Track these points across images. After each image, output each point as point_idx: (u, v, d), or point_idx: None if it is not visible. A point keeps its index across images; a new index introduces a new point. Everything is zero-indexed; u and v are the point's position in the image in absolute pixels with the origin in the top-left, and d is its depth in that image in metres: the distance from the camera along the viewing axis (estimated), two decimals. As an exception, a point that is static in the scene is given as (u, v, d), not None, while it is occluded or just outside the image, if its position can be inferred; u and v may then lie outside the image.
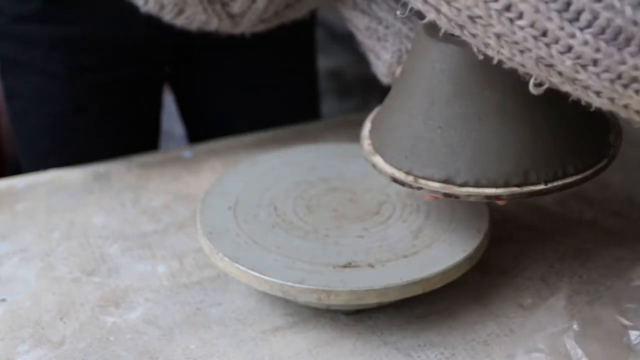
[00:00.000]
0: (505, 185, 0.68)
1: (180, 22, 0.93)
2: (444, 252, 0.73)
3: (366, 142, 0.76)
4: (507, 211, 0.89)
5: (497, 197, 0.68)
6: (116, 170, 0.98)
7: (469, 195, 0.68)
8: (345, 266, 0.71)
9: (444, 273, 0.71)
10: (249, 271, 0.71)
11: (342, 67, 2.86)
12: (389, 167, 0.72)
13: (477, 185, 0.68)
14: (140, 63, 1.06)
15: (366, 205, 0.80)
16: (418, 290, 0.70)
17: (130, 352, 0.71)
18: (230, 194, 0.82)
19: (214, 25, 0.93)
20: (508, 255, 0.82)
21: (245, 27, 0.94)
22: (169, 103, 1.23)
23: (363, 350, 0.71)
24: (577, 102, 0.61)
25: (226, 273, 0.74)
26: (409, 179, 0.70)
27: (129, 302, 0.77)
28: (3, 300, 0.78)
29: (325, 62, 2.91)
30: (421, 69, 0.70)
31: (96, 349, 0.72)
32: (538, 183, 0.68)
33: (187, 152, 1.02)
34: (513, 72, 0.62)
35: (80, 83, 1.02)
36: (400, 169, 0.71)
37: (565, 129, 0.68)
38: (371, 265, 0.71)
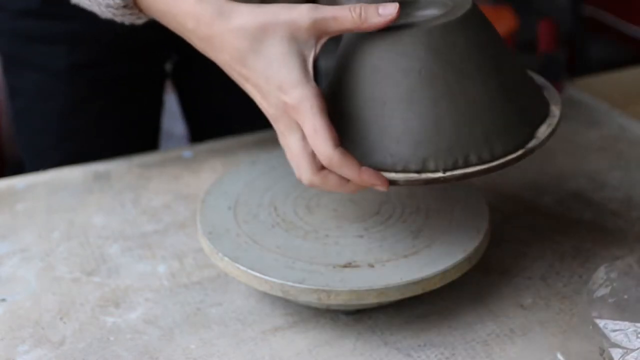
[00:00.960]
0: (404, 170, 0.67)
1: None
2: (444, 252, 0.73)
3: None
4: (507, 211, 0.90)
5: (394, 182, 0.67)
6: (116, 170, 0.98)
7: None
8: (345, 266, 0.71)
9: (444, 273, 0.71)
10: (249, 271, 0.71)
11: (341, 66, 2.86)
12: None
13: (378, 168, 0.67)
14: (142, 60, 1.06)
15: (366, 205, 0.80)
16: (418, 290, 0.70)
17: (130, 352, 0.71)
18: (230, 194, 0.82)
19: None
20: (508, 255, 0.82)
21: None
22: (169, 102, 1.23)
23: (363, 350, 0.71)
24: (494, 92, 0.67)
25: (226, 273, 0.74)
26: None
27: (129, 302, 0.77)
28: (3, 300, 0.78)
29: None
30: (346, 56, 0.70)
31: (96, 349, 0.72)
32: (436, 171, 0.67)
33: (187, 152, 1.02)
34: (423, 57, 0.65)
35: (81, 80, 1.02)
36: None
37: (474, 117, 0.67)
38: (371, 265, 0.71)
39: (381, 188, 0.66)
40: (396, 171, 0.67)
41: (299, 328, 0.74)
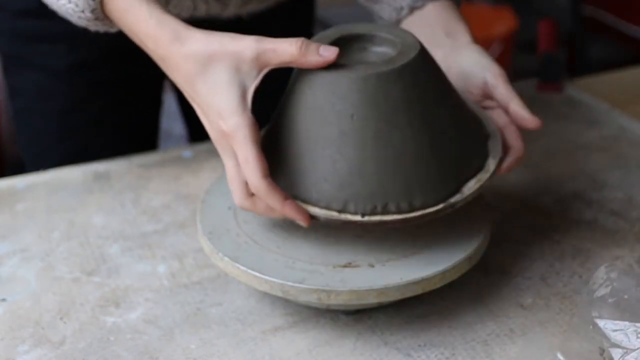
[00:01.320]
0: (327, 208, 0.70)
1: (170, 11, 0.94)
2: (444, 252, 0.73)
3: None
4: (507, 211, 0.90)
5: (316, 217, 0.70)
6: (116, 170, 0.98)
7: None
8: (345, 266, 0.71)
9: (444, 273, 0.71)
10: (249, 271, 0.71)
11: (341, 66, 2.85)
12: None
13: (303, 201, 0.70)
14: (140, 61, 1.05)
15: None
16: (418, 290, 0.70)
17: (130, 352, 0.71)
18: (230, 194, 0.81)
19: (202, 10, 0.95)
20: (508, 255, 0.82)
21: (235, 6, 0.97)
22: (168, 102, 1.23)
23: (363, 350, 0.71)
24: (422, 144, 0.69)
25: (226, 273, 0.74)
26: None
27: (129, 302, 0.77)
28: (3, 300, 0.78)
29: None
30: (291, 91, 0.73)
31: (96, 349, 0.72)
32: (355, 214, 0.69)
33: (187, 152, 1.02)
34: (357, 103, 0.68)
35: (80, 80, 1.03)
36: None
37: (398, 167, 0.69)
38: (371, 265, 0.71)
39: (302, 223, 0.70)
40: (319, 207, 0.70)
41: (299, 328, 0.74)
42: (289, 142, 0.71)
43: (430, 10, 0.85)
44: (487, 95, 0.78)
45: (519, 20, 2.64)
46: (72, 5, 0.77)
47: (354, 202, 0.69)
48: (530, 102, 1.14)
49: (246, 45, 0.68)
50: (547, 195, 0.93)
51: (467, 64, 0.78)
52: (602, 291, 0.68)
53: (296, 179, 0.70)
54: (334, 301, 0.69)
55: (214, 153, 1.00)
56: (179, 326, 0.74)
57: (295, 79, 0.72)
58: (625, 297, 0.67)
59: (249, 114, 0.68)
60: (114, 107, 1.06)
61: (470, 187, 0.72)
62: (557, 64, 1.18)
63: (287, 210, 0.69)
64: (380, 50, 0.74)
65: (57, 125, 1.05)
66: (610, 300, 0.67)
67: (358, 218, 0.69)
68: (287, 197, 0.69)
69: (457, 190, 0.71)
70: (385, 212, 0.69)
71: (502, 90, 0.77)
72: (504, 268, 0.81)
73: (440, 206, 0.70)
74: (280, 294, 0.70)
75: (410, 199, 0.69)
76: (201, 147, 1.03)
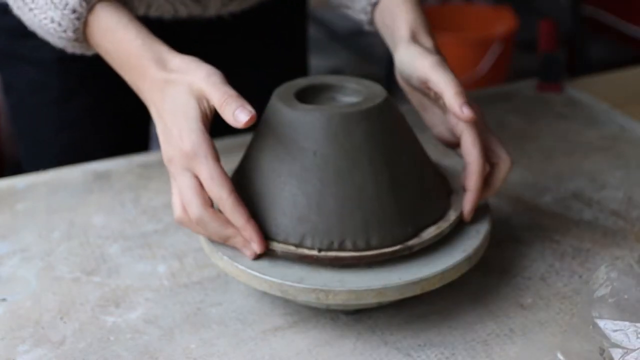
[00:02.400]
0: (284, 242, 0.71)
1: (152, 13, 0.95)
2: (444, 252, 0.73)
3: None
4: (507, 211, 0.90)
5: (273, 250, 0.71)
6: (116, 170, 0.98)
7: None
8: (344, 266, 0.71)
9: (443, 273, 0.71)
10: (248, 270, 0.71)
11: (342, 66, 2.86)
12: None
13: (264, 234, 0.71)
14: None
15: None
16: (417, 291, 0.70)
17: (131, 352, 0.71)
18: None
19: (183, 11, 0.95)
20: (508, 255, 0.82)
21: (215, 7, 0.98)
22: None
23: (363, 350, 0.71)
24: (382, 185, 0.70)
25: (226, 273, 0.74)
26: None
27: (129, 302, 0.77)
28: (3, 300, 0.78)
29: (325, 62, 2.91)
30: (263, 123, 0.74)
31: (96, 349, 0.72)
32: (312, 249, 0.70)
33: (187, 152, 1.02)
34: (320, 140, 0.70)
35: (71, 71, 1.04)
36: None
37: (357, 204, 0.70)
38: (370, 265, 0.71)
39: (256, 247, 0.70)
40: (277, 241, 0.71)
41: (299, 328, 0.74)
42: (253, 176, 0.73)
43: (383, 3, 0.86)
44: (429, 89, 0.78)
45: (519, 20, 2.64)
46: (54, 25, 0.79)
47: (311, 237, 0.70)
48: (530, 102, 1.15)
49: (197, 79, 0.71)
50: (547, 195, 0.93)
51: (401, 62, 0.78)
52: (602, 291, 0.68)
53: (257, 211, 0.71)
54: (333, 301, 0.69)
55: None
56: (179, 326, 0.74)
57: (264, 115, 0.74)
58: (625, 297, 0.67)
59: (207, 135, 0.70)
60: (106, 100, 1.07)
61: (430, 232, 0.72)
62: (557, 64, 1.19)
63: (249, 228, 0.70)
64: (348, 100, 0.76)
65: (51, 118, 1.06)
66: (610, 300, 0.67)
67: (314, 253, 0.70)
68: (251, 217, 0.70)
69: (415, 234, 0.72)
70: (341, 248, 0.70)
71: (435, 81, 0.75)
72: (504, 268, 0.81)
73: (397, 247, 0.71)
74: (279, 294, 0.70)
75: (367, 237, 0.70)
76: (201, 147, 1.03)
